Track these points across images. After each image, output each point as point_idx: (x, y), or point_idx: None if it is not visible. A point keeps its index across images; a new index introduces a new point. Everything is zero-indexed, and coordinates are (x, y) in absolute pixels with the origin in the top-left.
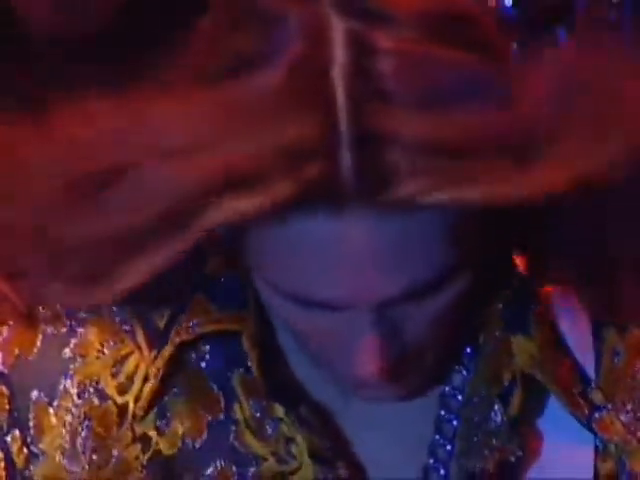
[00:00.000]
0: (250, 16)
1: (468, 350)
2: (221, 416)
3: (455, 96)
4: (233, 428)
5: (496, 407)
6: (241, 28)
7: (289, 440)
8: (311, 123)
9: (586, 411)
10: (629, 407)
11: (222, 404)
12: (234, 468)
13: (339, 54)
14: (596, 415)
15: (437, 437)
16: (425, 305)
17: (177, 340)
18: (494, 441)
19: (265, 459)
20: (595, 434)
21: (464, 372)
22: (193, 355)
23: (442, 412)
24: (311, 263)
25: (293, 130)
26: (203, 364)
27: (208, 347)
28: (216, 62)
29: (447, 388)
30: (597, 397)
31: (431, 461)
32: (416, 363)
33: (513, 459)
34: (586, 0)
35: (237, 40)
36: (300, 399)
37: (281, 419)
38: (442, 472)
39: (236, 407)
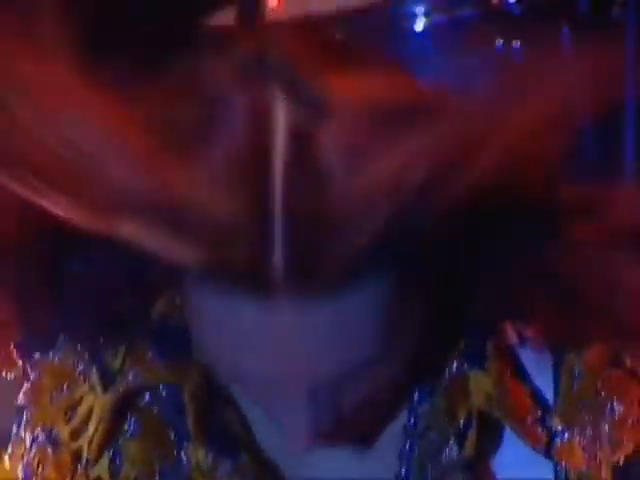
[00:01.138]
0: (196, 92)
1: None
2: (173, 459)
3: (389, 210)
4: (184, 472)
5: (451, 443)
6: (185, 101)
7: None
8: (244, 210)
9: (545, 440)
10: (589, 431)
11: (175, 446)
12: None
13: (279, 144)
14: (557, 441)
15: (403, 469)
16: (359, 381)
17: (120, 389)
18: (447, 478)
19: None
20: (555, 463)
21: (425, 403)
22: (147, 397)
23: (406, 445)
24: (239, 344)
25: (225, 215)
26: (157, 406)
27: (162, 388)
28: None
29: (411, 419)
30: (556, 422)
31: None
32: (352, 425)
33: None
34: None
35: (178, 114)
36: (242, 447)
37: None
38: None
39: (189, 450)
